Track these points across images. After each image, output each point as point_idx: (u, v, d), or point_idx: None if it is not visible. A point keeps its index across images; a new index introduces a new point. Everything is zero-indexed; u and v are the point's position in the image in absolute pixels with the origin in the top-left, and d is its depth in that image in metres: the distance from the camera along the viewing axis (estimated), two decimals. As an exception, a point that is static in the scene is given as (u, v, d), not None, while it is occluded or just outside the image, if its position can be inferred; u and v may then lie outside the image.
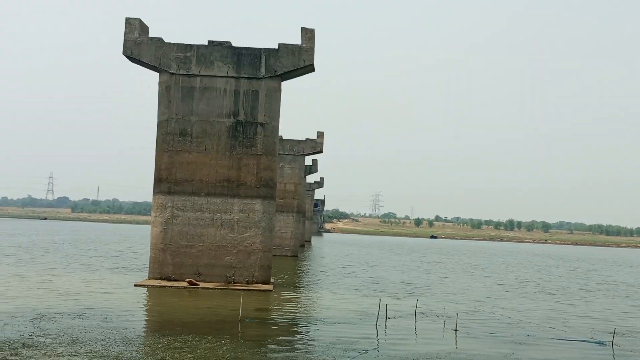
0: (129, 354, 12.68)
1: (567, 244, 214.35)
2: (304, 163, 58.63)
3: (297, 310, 20.77)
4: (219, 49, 25.98)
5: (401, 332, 17.40)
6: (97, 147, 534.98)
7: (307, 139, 55.35)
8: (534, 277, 43.42)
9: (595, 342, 17.23)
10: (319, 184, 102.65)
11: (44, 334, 14.29)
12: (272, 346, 14.53)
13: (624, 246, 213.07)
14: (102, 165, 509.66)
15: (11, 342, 13.22)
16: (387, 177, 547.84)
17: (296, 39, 26.24)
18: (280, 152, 52.74)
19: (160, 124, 26.04)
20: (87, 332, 14.78)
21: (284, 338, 15.78)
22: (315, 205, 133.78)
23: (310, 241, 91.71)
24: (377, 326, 17.96)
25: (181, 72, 25.82)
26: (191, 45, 25.93)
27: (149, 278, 25.68)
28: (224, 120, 25.94)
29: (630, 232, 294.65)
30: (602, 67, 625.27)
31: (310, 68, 26.35)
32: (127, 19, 25.61)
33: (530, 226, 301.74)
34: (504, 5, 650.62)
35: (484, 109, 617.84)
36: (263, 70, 26.00)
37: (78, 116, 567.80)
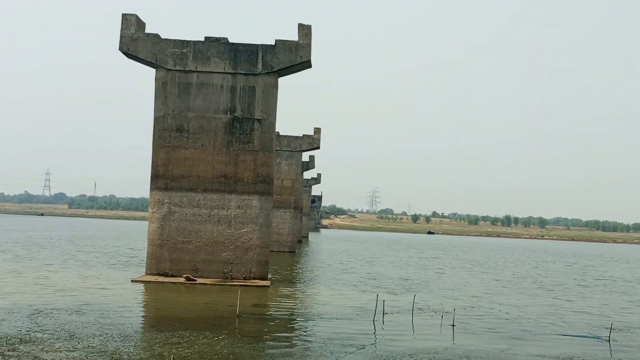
0: (126, 350, 12.68)
1: (564, 240, 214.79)
2: (301, 159, 58.62)
3: (294, 306, 20.79)
4: (216, 45, 25.92)
5: (398, 327, 17.43)
6: (94, 143, 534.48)
7: (304, 135, 55.35)
8: (531, 272, 43.51)
9: (593, 337, 17.28)
10: (317, 180, 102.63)
11: (41, 329, 14.28)
12: (270, 342, 14.54)
13: (621, 242, 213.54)
14: (99, 161, 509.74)
15: (8, 337, 13.20)
16: (384, 174, 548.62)
17: (293, 36, 26.23)
18: (278, 149, 52.70)
19: (156, 120, 25.99)
20: (85, 327, 14.77)
21: (281, 333, 15.79)
22: (313, 201, 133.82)
23: (307, 237, 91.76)
24: (375, 322, 17.98)
25: (178, 68, 25.77)
26: (188, 41, 25.87)
27: (147, 274, 25.67)
28: (221, 116, 25.90)
29: (627, 228, 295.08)
30: (600, 67, 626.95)
31: (307, 64, 26.31)
32: (124, 15, 25.53)
33: (527, 222, 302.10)
34: (504, 5, 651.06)
35: (484, 109, 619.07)
36: (260, 66, 25.95)
37: (75, 112, 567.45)
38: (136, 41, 25.56)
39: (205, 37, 26.00)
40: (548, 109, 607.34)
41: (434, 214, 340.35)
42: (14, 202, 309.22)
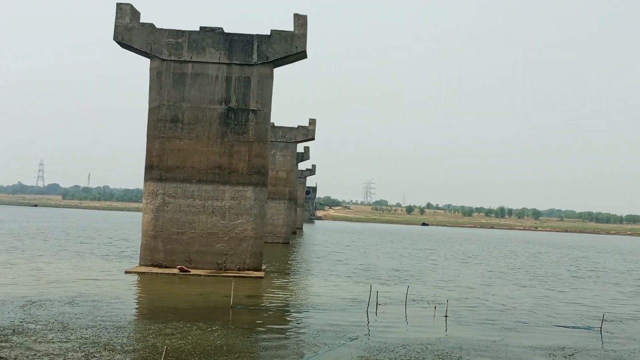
0: (119, 340, 12.67)
1: (558, 231, 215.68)
2: (296, 150, 58.57)
3: (288, 297, 20.82)
4: (211, 35, 25.80)
5: (392, 318, 17.48)
6: (88, 133, 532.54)
7: (299, 126, 55.25)
8: (524, 264, 43.69)
9: (584, 328, 17.38)
10: (311, 171, 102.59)
11: (34, 320, 14.25)
12: (264, 332, 14.56)
13: (614, 233, 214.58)
14: (93, 152, 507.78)
15: (1, 328, 13.17)
16: (379, 165, 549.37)
17: (289, 26, 26.12)
18: (272, 140, 52.62)
19: (151, 111, 25.89)
20: (78, 318, 14.75)
21: (275, 324, 15.81)
22: (307, 192, 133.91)
23: (301, 228, 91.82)
24: (368, 313, 18.03)
25: (172, 58, 25.65)
26: (183, 31, 25.73)
27: (140, 265, 25.65)
28: (216, 106, 25.82)
29: (620, 220, 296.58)
30: (595, 57, 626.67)
31: (302, 54, 26.23)
32: (118, 4, 25.37)
33: (521, 213, 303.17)
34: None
35: (478, 99, 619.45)
36: (255, 56, 25.86)
37: (69, 103, 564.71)
38: (131, 31, 25.42)
39: (201, 27, 25.87)
40: (542, 100, 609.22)
41: (429, 206, 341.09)
42: (7, 193, 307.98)
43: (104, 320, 14.75)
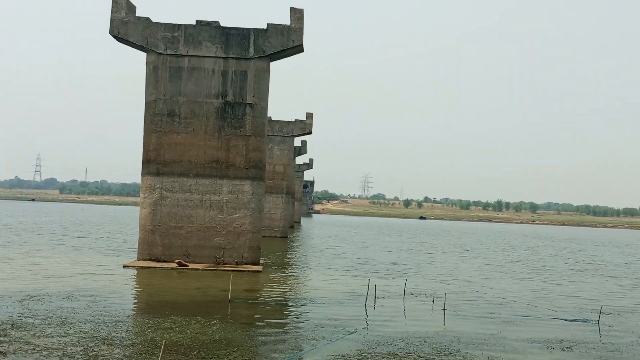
0: (118, 335, 12.67)
1: (555, 225, 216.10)
2: (293, 144, 58.47)
3: (286, 291, 20.83)
4: (207, 29, 25.72)
5: (390, 312, 17.50)
6: (85, 128, 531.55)
7: (296, 120, 55.16)
8: (522, 257, 43.77)
9: (582, 321, 17.42)
10: (309, 165, 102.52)
11: (32, 315, 14.24)
12: (262, 326, 14.56)
13: (611, 226, 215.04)
14: (91, 147, 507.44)
15: (0, 323, 13.17)
16: (376, 160, 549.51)
17: (285, 20, 26.05)
18: (270, 134, 52.54)
19: (147, 105, 25.83)
20: (76, 313, 14.75)
21: (273, 318, 15.83)
22: (305, 186, 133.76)
23: (299, 222, 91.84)
24: (367, 306, 18.05)
25: (169, 52, 25.56)
26: (179, 25, 25.64)
27: (138, 259, 25.64)
28: (213, 101, 25.76)
29: (617, 213, 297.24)
30: (590, 53, 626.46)
31: (299, 48, 26.16)
32: (114, -2, 25.24)
33: (519, 207, 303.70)
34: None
35: (474, 95, 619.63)
36: (252, 50, 25.79)
37: (66, 97, 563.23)
38: (127, 25, 25.32)
39: (197, 21, 25.78)
40: (538, 96, 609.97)
41: (426, 199, 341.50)
42: (4, 188, 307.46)
43: (103, 314, 14.75)
